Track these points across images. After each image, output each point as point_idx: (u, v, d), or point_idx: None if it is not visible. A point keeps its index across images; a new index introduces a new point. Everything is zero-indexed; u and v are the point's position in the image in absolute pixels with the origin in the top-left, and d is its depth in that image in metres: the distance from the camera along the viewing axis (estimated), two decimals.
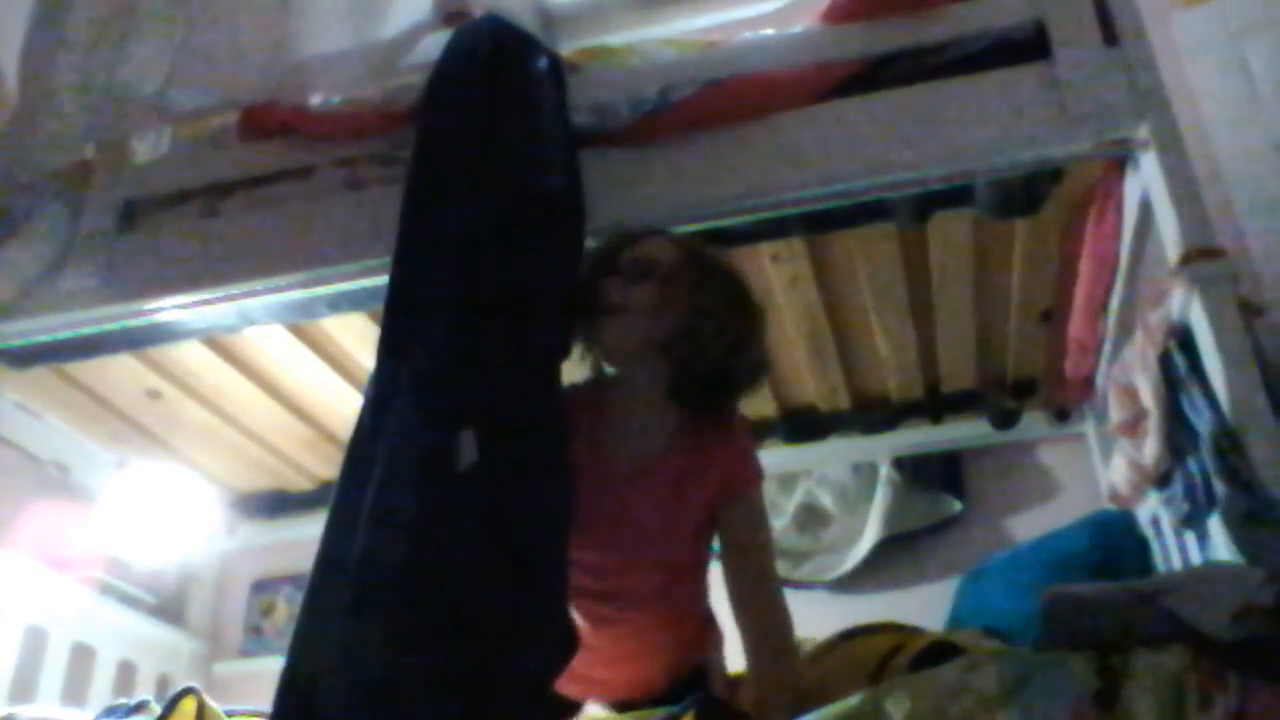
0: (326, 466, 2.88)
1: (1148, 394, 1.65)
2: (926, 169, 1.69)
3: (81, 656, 2.58)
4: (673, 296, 1.50)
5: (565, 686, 1.56)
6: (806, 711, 1.24)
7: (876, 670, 1.52)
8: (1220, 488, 1.45)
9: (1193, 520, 1.62)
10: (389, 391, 1.43)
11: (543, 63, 1.73)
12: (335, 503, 1.39)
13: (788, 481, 2.92)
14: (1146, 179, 1.63)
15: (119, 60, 2.03)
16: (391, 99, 1.87)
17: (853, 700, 1.24)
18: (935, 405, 2.72)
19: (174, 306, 1.91)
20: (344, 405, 2.54)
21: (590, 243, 1.67)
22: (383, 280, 1.87)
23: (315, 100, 1.96)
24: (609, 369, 1.63)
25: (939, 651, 1.44)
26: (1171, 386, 1.58)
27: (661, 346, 1.50)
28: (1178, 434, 1.60)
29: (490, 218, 1.53)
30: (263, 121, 1.93)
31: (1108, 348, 2.16)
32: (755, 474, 1.58)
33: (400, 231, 1.59)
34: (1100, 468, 2.49)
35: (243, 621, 3.11)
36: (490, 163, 1.58)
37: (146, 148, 2.08)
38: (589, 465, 1.49)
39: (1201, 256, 1.49)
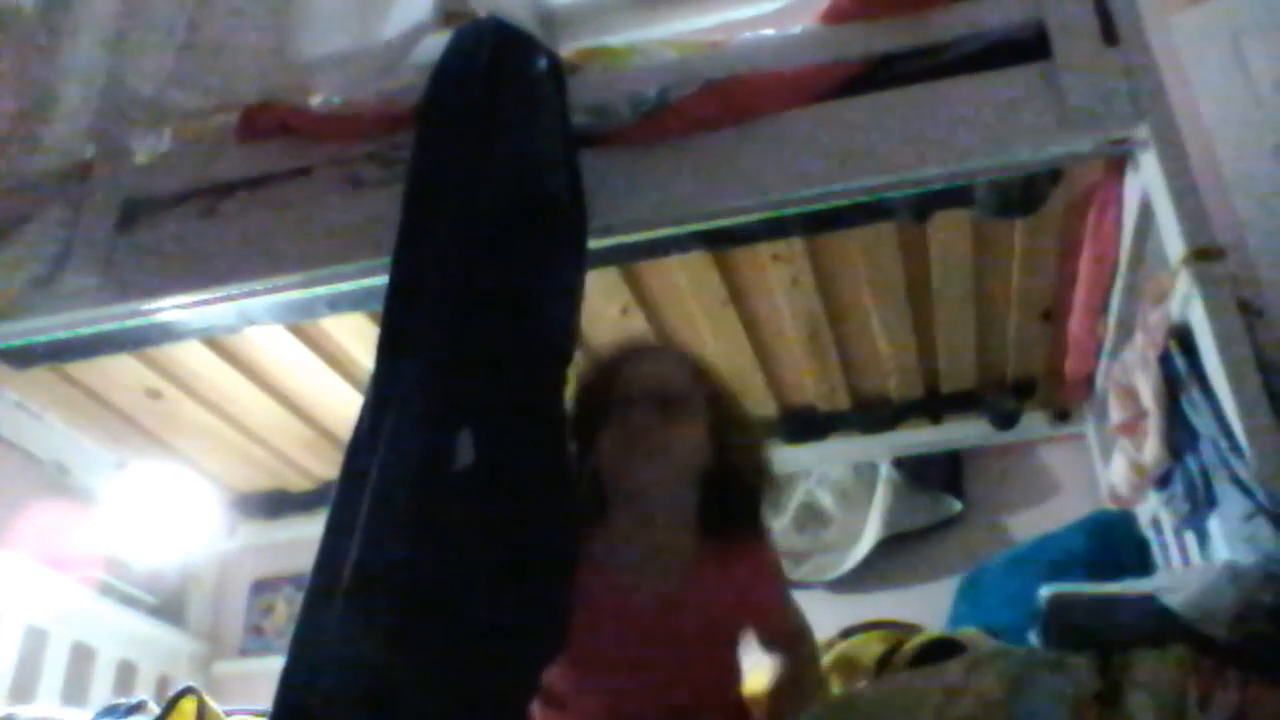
0: (326, 466, 2.88)
1: (1148, 394, 1.65)
2: (926, 169, 1.69)
3: (81, 656, 2.58)
4: (708, 431, 1.40)
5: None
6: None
7: (877, 667, 1.52)
8: (1220, 488, 1.46)
9: (1193, 520, 1.62)
10: (388, 391, 1.43)
11: (542, 63, 1.73)
12: (334, 503, 1.38)
13: (788, 481, 2.91)
14: (1146, 179, 1.63)
15: (119, 60, 2.03)
16: (391, 101, 1.87)
17: (853, 692, 1.24)
18: (935, 405, 2.72)
19: (174, 306, 1.91)
20: (344, 405, 2.54)
21: (593, 241, 1.67)
22: (383, 280, 1.87)
23: (315, 100, 1.96)
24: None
25: (941, 648, 1.45)
26: (1171, 386, 1.58)
27: (694, 478, 1.40)
28: (1178, 434, 1.60)
29: (491, 219, 1.50)
30: (263, 121, 1.93)
31: (1108, 348, 2.16)
32: (785, 601, 1.52)
33: (400, 231, 1.58)
34: (1100, 468, 2.49)
35: (243, 621, 3.11)
36: (490, 164, 1.56)
37: (146, 148, 2.08)
38: (607, 597, 1.38)
39: (1201, 256, 1.49)
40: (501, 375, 1.41)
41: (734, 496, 1.41)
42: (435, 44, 1.91)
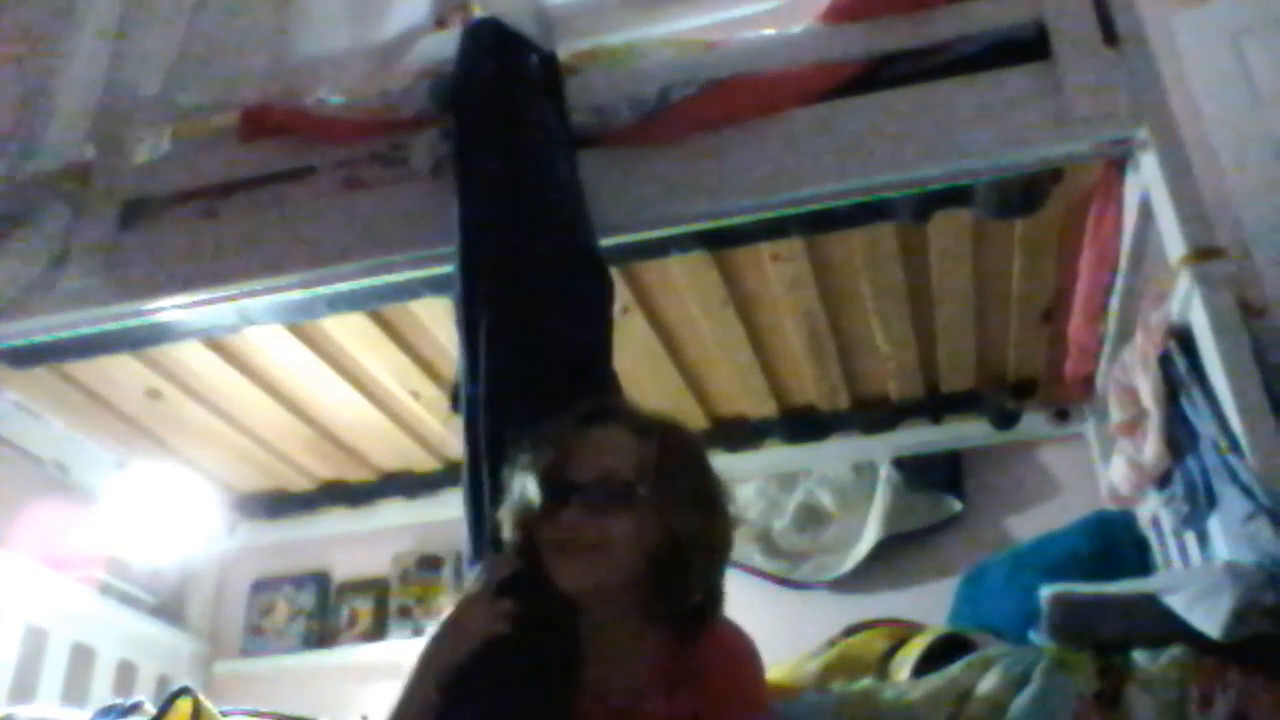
0: (326, 466, 2.88)
1: (1148, 394, 1.65)
2: (926, 169, 1.70)
3: (81, 656, 2.58)
4: (652, 519, 1.24)
5: None
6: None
7: (880, 665, 1.53)
8: (1220, 488, 1.46)
9: (1193, 520, 1.62)
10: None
11: (533, 61, 1.76)
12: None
13: (788, 481, 2.92)
14: (1146, 179, 1.63)
15: (120, 60, 2.03)
16: (392, 104, 1.87)
17: (859, 685, 1.25)
18: (935, 405, 2.72)
19: (174, 306, 1.91)
20: (344, 405, 2.54)
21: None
22: (382, 280, 1.88)
23: (314, 100, 1.96)
24: None
25: (948, 645, 1.45)
26: (1171, 386, 1.58)
27: (640, 578, 1.25)
28: (1178, 434, 1.60)
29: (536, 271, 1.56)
30: (263, 122, 1.93)
31: (1108, 348, 2.16)
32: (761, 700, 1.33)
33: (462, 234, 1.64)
34: (1100, 468, 2.49)
35: (243, 621, 3.11)
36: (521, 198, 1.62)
37: (146, 148, 2.08)
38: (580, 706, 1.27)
39: (1201, 256, 1.49)
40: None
41: (690, 580, 1.26)
42: (435, 44, 1.92)
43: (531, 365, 1.50)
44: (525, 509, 1.26)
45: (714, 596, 1.30)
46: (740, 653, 1.31)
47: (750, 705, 1.29)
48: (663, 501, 1.24)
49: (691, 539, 1.24)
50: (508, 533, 1.29)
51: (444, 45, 1.94)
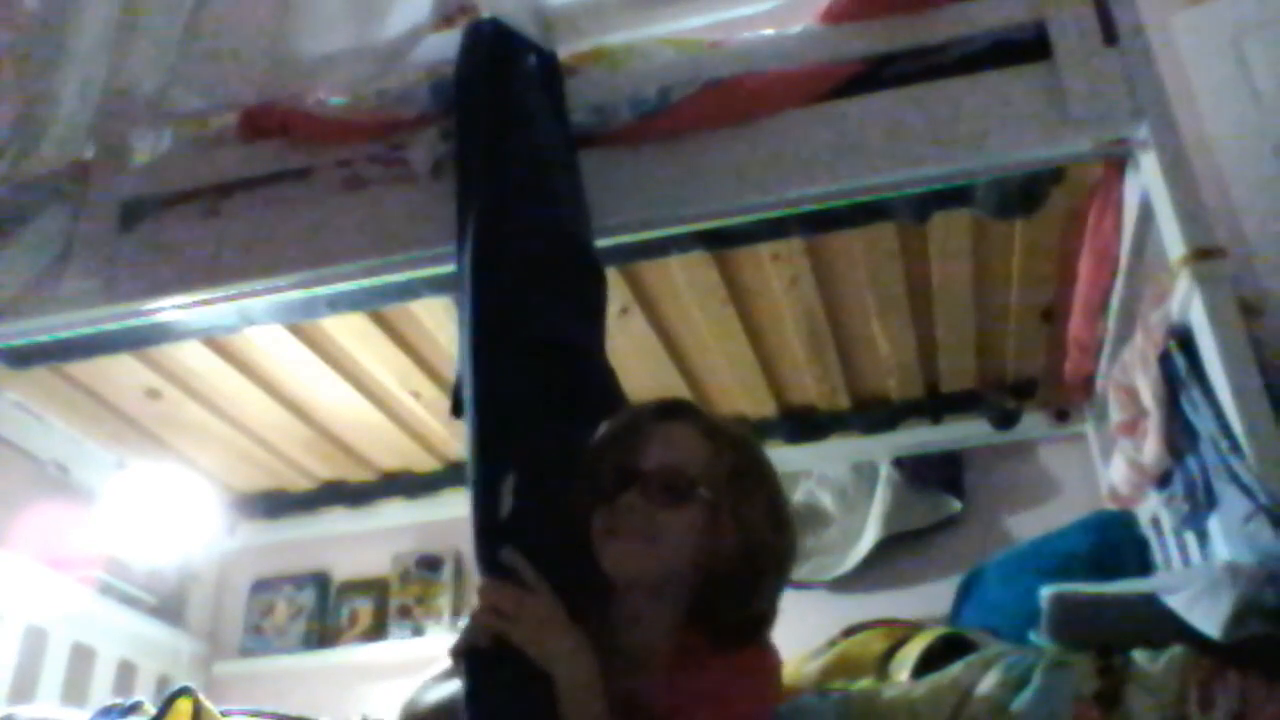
0: (326, 466, 2.88)
1: (1148, 394, 1.65)
2: (926, 169, 1.70)
3: (81, 656, 2.58)
4: (713, 525, 1.22)
5: None
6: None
7: (879, 665, 1.53)
8: (1220, 488, 1.46)
9: (1193, 520, 1.62)
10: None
11: (531, 61, 1.76)
12: None
13: (788, 481, 2.91)
14: (1146, 179, 1.63)
15: (119, 60, 2.03)
16: (392, 105, 1.87)
17: (861, 687, 1.25)
18: (935, 405, 2.72)
19: (174, 306, 1.91)
20: (344, 405, 2.54)
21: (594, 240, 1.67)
22: (382, 280, 1.88)
23: (314, 100, 1.96)
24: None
25: (948, 645, 1.45)
26: (1171, 386, 1.58)
27: (691, 578, 1.23)
28: (1178, 434, 1.60)
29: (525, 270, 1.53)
30: (263, 122, 1.94)
31: (1108, 348, 2.16)
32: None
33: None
34: (1100, 468, 2.49)
35: (243, 621, 3.11)
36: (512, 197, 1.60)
37: (146, 148, 2.08)
38: None
39: (1201, 256, 1.49)
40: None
41: (756, 592, 1.24)
42: (435, 44, 1.91)
43: (530, 364, 1.51)
44: (588, 488, 1.26)
45: (769, 614, 1.27)
46: (771, 675, 1.28)
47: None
48: (734, 507, 1.22)
49: (762, 550, 1.22)
50: (569, 507, 1.27)
51: (444, 45, 1.94)
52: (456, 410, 1.63)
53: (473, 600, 1.29)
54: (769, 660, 1.28)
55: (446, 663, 1.31)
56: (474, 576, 1.55)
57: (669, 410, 1.31)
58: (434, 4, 1.88)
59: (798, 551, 1.31)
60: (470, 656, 1.23)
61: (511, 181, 1.64)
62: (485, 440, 1.38)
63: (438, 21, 1.94)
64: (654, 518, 1.22)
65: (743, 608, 1.23)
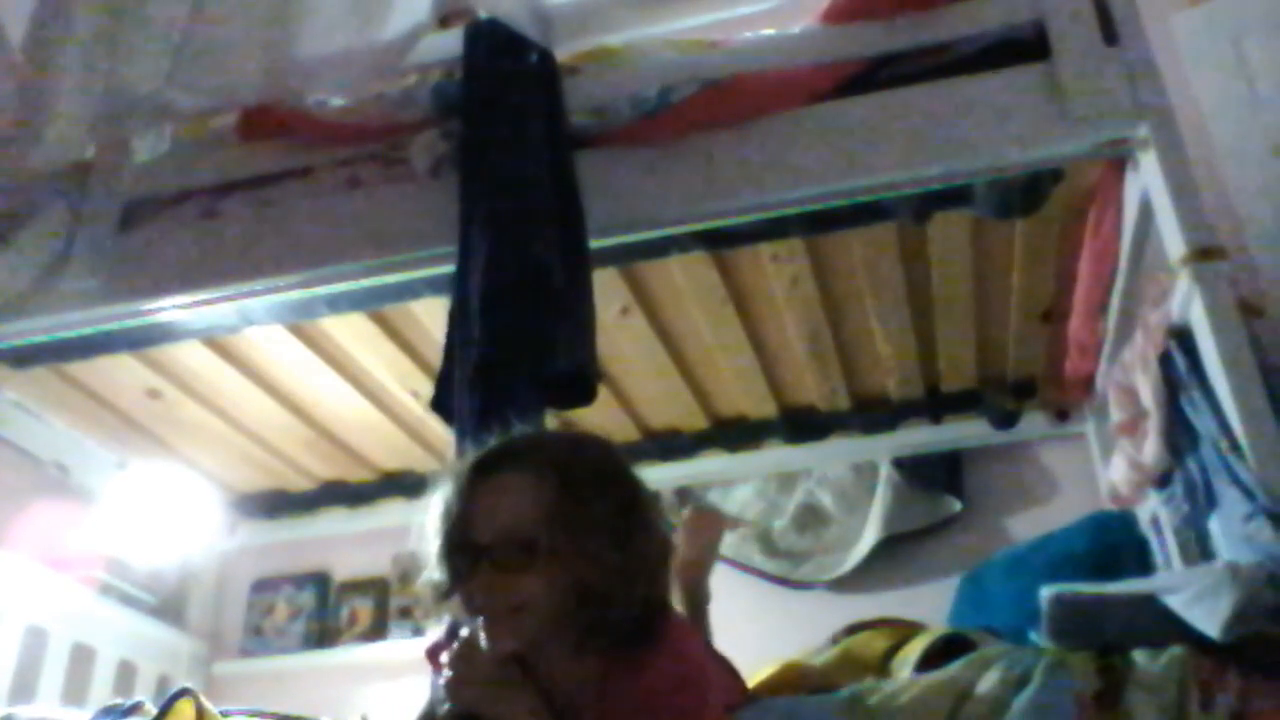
0: (326, 466, 2.88)
1: (1148, 394, 1.65)
2: (926, 169, 1.70)
3: (81, 656, 2.58)
4: (565, 565, 1.19)
5: None
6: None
7: (881, 664, 1.53)
8: (1220, 488, 1.46)
9: (1193, 520, 1.62)
10: None
11: (535, 64, 1.77)
12: None
13: (788, 481, 2.92)
14: (1146, 179, 1.63)
15: (119, 60, 2.02)
16: (392, 107, 1.88)
17: (859, 687, 1.24)
18: (935, 405, 2.72)
19: (174, 306, 1.91)
20: (344, 405, 2.54)
21: (594, 241, 1.68)
22: (382, 280, 1.88)
23: (314, 101, 1.96)
24: None
25: (949, 644, 1.45)
26: (1171, 386, 1.58)
27: (563, 620, 1.20)
28: (1178, 434, 1.60)
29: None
30: (263, 123, 1.94)
31: (1108, 348, 2.16)
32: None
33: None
34: (1100, 468, 2.49)
35: (243, 621, 3.11)
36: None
37: (146, 148, 2.08)
38: None
39: (1201, 256, 1.49)
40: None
41: (614, 612, 1.20)
42: (434, 45, 1.92)
43: (524, 361, 1.52)
44: (444, 583, 1.22)
45: (651, 611, 1.24)
46: (687, 659, 1.26)
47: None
48: (568, 550, 1.19)
49: (605, 576, 1.19)
50: (432, 607, 1.26)
51: (443, 46, 1.94)
52: (436, 401, 1.64)
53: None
54: (686, 647, 1.27)
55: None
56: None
57: (490, 463, 1.25)
58: (431, 5, 1.88)
59: (661, 545, 1.27)
60: None
61: (516, 182, 1.66)
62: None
63: (435, 23, 1.94)
64: (511, 588, 1.19)
65: (611, 627, 1.20)
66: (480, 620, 1.21)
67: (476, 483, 1.24)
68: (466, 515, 1.22)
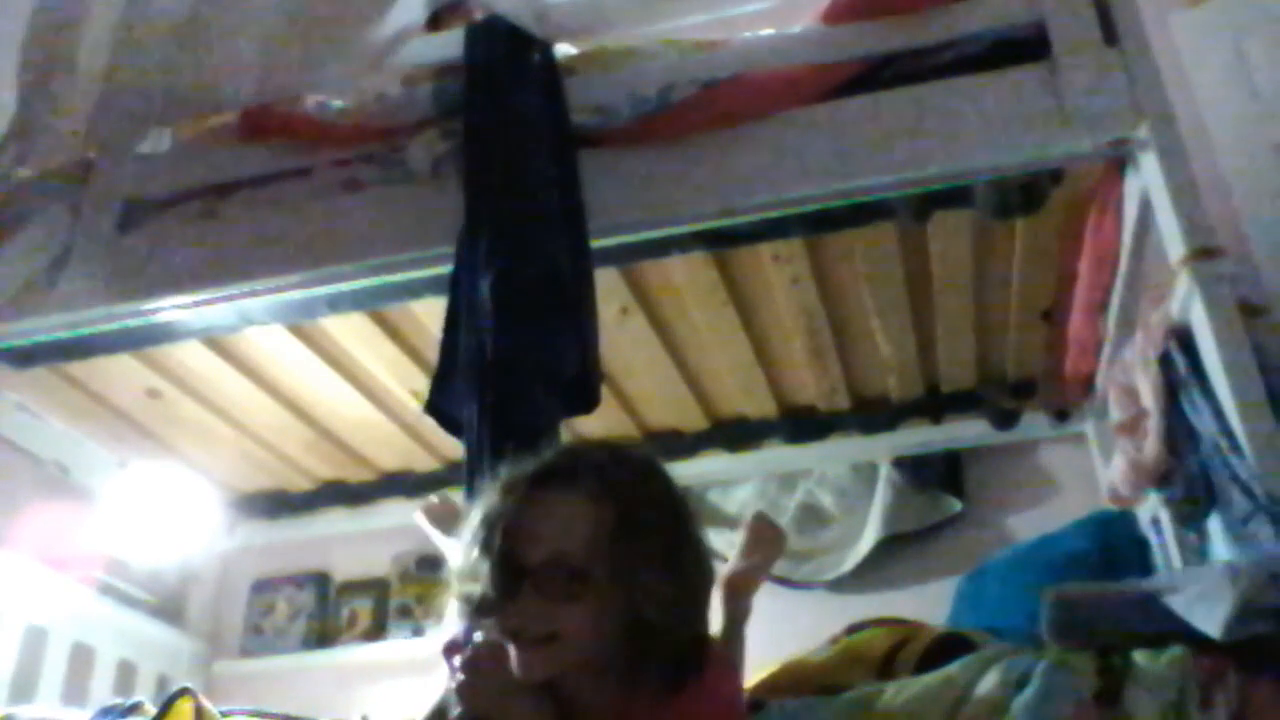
0: (326, 466, 2.88)
1: (1148, 394, 1.65)
2: (926, 169, 1.70)
3: (81, 656, 2.58)
4: (613, 599, 1.13)
5: None
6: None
7: (882, 664, 1.53)
8: (1220, 488, 1.46)
9: (1193, 520, 1.62)
10: None
11: (537, 64, 1.77)
12: None
13: (788, 481, 2.92)
14: (1146, 179, 1.63)
15: (119, 60, 2.03)
16: (392, 111, 1.88)
17: (861, 690, 1.24)
18: (935, 405, 2.72)
19: (174, 306, 1.91)
20: (344, 405, 2.54)
21: (594, 241, 1.69)
22: (382, 280, 1.88)
23: (314, 101, 1.96)
24: None
25: (949, 644, 1.45)
26: (1171, 386, 1.58)
27: (611, 654, 1.16)
28: (1178, 434, 1.60)
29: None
30: (263, 123, 1.94)
31: (1108, 348, 2.16)
32: None
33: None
34: (1100, 468, 2.49)
35: (243, 621, 3.11)
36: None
37: (147, 148, 2.08)
38: None
39: (1201, 256, 1.49)
40: None
41: (669, 646, 1.16)
42: (434, 45, 1.92)
43: (540, 363, 1.52)
44: (481, 598, 1.16)
45: (697, 643, 1.21)
46: (727, 696, 1.25)
47: None
48: (625, 583, 1.13)
49: (658, 609, 1.14)
50: (466, 616, 1.22)
51: (440, 47, 1.94)
52: (431, 402, 1.65)
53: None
54: (722, 684, 1.24)
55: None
56: None
57: (547, 477, 1.19)
58: (427, 4, 1.88)
59: (710, 579, 1.23)
60: None
61: (518, 181, 1.66)
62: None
63: (430, 21, 1.94)
64: (552, 615, 1.13)
65: (664, 661, 1.16)
66: (510, 648, 1.15)
67: (528, 497, 1.17)
68: (513, 531, 1.15)
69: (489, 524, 1.17)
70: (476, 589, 1.16)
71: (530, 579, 1.13)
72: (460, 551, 1.21)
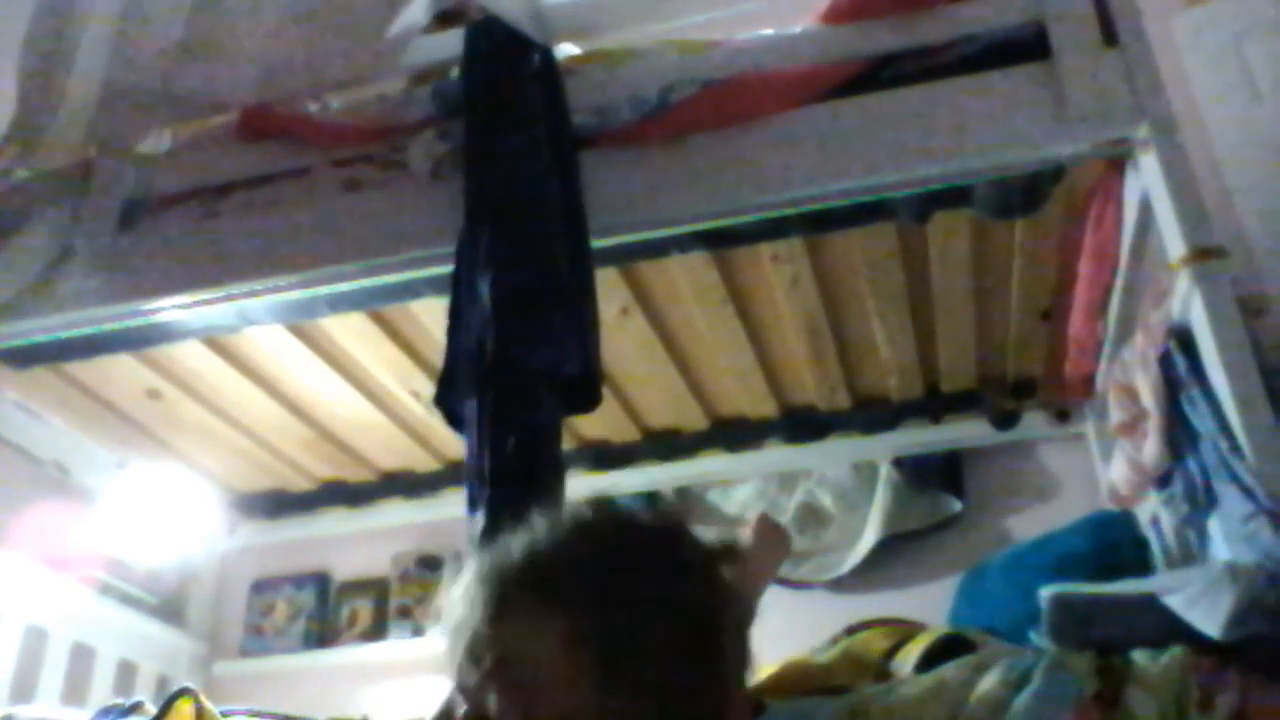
0: (326, 466, 2.88)
1: (1148, 394, 1.65)
2: (926, 169, 1.70)
3: (81, 656, 2.58)
4: (580, 707, 0.94)
5: None
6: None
7: (882, 664, 1.53)
8: (1220, 488, 1.45)
9: (1193, 520, 1.62)
10: None
11: (535, 63, 1.77)
12: None
13: (788, 481, 2.92)
14: (1146, 179, 1.63)
15: (119, 60, 2.03)
16: (393, 112, 1.88)
17: (860, 691, 1.24)
18: (935, 405, 2.72)
19: (174, 306, 1.91)
20: (344, 405, 2.54)
21: (594, 241, 1.69)
22: (382, 280, 1.88)
23: (316, 105, 1.96)
24: None
25: (949, 645, 1.45)
26: (1171, 386, 1.58)
27: None
28: (1178, 434, 1.60)
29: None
30: (263, 123, 1.94)
31: (1108, 348, 2.16)
32: None
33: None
34: (1100, 468, 2.49)
35: (243, 621, 3.11)
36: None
37: (147, 148, 2.08)
38: None
39: (1201, 256, 1.49)
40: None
41: None
42: (433, 45, 1.92)
43: (541, 363, 1.52)
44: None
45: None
46: None
47: None
48: (624, 709, 0.93)
49: (677, 702, 0.95)
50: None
51: (443, 46, 1.94)
52: (439, 399, 1.65)
53: None
54: None
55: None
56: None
57: (505, 601, 0.98)
58: (428, 4, 1.88)
59: (747, 641, 1.08)
60: None
61: (519, 182, 1.66)
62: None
63: (431, 22, 1.94)
64: (506, 712, 0.95)
65: None
66: None
67: (492, 623, 0.98)
68: (476, 675, 0.97)
69: (455, 641, 1.01)
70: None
71: (488, 673, 0.96)
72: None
